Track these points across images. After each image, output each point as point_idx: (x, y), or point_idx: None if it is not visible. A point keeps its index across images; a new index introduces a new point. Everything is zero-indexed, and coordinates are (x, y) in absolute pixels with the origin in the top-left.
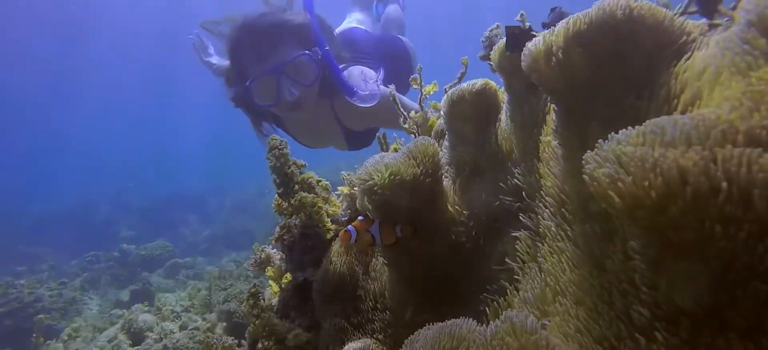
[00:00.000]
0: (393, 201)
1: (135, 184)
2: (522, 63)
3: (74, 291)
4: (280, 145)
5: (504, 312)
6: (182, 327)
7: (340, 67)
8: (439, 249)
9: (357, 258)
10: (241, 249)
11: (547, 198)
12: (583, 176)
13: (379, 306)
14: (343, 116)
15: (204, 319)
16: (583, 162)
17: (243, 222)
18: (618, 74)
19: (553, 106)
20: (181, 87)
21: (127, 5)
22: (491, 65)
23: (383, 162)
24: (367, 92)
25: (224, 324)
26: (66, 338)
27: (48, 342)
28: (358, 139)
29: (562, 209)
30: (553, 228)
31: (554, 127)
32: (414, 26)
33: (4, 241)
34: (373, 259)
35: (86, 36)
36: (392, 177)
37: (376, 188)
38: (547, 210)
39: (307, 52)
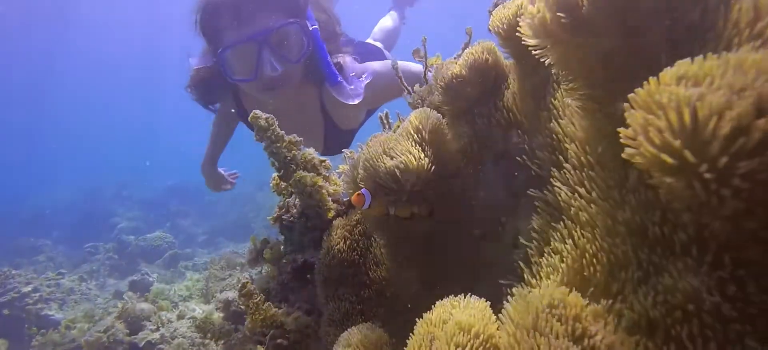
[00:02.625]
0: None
1: (134, 176)
2: (526, 36)
3: (72, 281)
4: (269, 122)
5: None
6: (180, 317)
7: (338, 54)
8: (448, 229)
9: (360, 240)
10: (241, 241)
11: (566, 165)
12: (621, 140)
13: (384, 291)
14: (333, 108)
15: (202, 309)
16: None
17: (242, 214)
18: (660, 23)
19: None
20: (180, 77)
21: None
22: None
23: (388, 146)
24: (352, 86)
25: (222, 314)
26: (63, 328)
27: (42, 330)
28: (338, 140)
29: (589, 179)
30: (576, 201)
31: (571, 87)
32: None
33: (2, 232)
34: (376, 242)
35: (81, 26)
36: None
37: (379, 175)
38: (570, 179)
39: (296, 20)
